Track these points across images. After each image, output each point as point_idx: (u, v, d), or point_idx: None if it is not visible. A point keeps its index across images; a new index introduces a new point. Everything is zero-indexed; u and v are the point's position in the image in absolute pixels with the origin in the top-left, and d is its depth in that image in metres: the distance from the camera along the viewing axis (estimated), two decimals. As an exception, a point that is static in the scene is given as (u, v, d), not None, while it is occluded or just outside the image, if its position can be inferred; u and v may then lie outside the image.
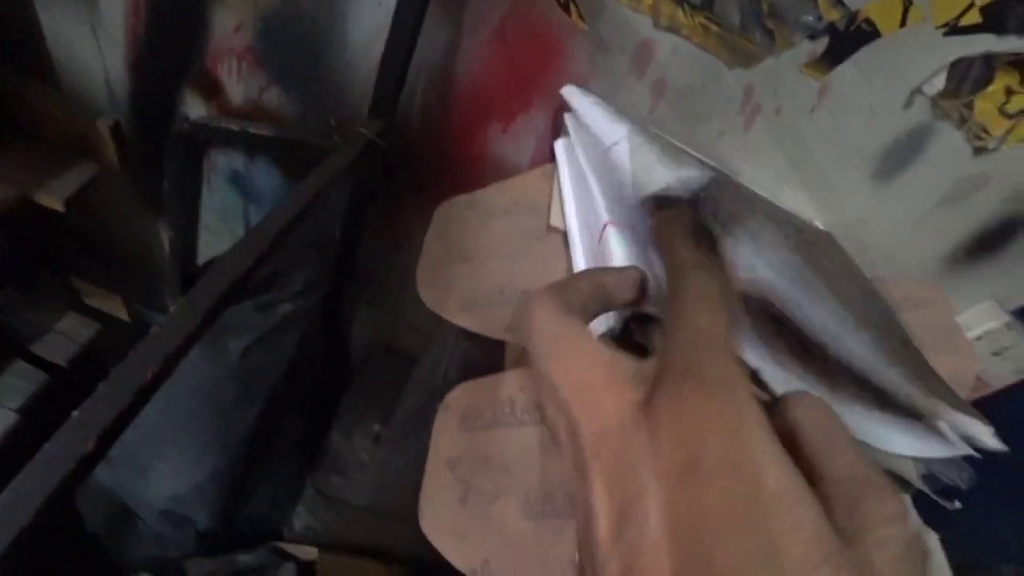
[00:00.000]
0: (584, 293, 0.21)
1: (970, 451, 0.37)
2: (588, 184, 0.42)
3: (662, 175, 0.30)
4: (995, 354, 0.71)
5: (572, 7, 0.51)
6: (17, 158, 0.68)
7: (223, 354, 0.55)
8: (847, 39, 0.50)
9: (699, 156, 0.56)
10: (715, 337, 0.17)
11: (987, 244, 0.64)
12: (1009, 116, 0.54)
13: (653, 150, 0.34)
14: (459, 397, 0.40)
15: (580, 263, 0.40)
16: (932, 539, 0.33)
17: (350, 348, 0.78)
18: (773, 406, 0.18)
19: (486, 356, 0.54)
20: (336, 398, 0.71)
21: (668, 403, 0.15)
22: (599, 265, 0.34)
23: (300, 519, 0.62)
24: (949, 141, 0.56)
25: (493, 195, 0.55)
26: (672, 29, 0.50)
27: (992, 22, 0.48)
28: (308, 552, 0.61)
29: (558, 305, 0.20)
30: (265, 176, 0.59)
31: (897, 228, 0.63)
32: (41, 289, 0.92)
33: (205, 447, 0.58)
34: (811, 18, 0.49)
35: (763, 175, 0.58)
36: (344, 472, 0.67)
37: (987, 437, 0.36)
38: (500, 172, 0.64)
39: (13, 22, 0.61)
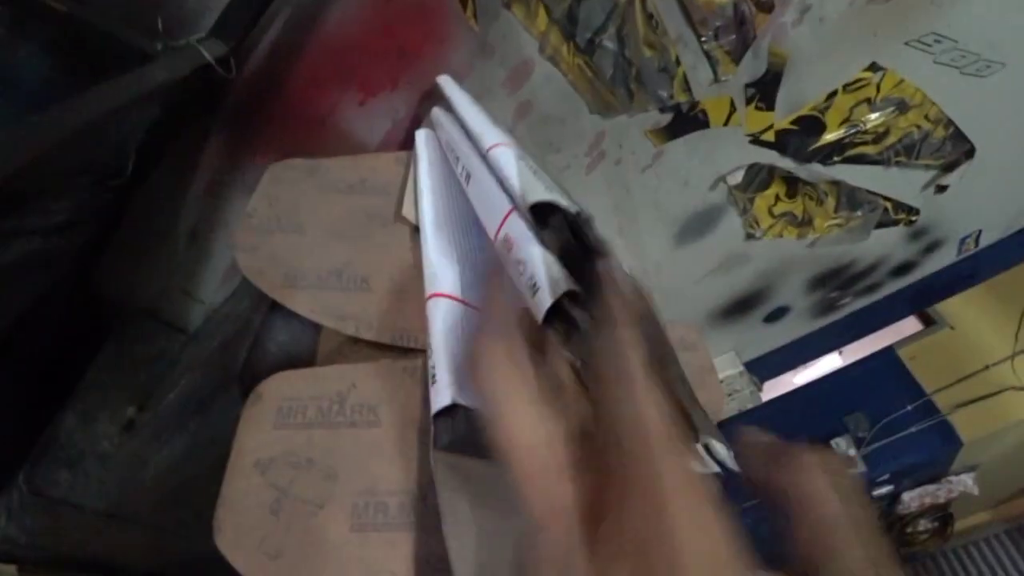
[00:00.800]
0: (525, 341, 0.21)
1: (717, 469, 0.46)
2: (465, 181, 0.41)
3: (541, 189, 0.31)
4: (729, 395, 0.90)
5: (470, 3, 0.49)
6: None
7: None
8: (686, 120, 0.58)
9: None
10: (662, 439, 0.16)
11: (736, 309, 0.81)
12: (774, 216, 0.69)
13: (530, 164, 0.35)
14: (276, 388, 0.35)
15: (445, 260, 0.38)
16: None
17: (104, 309, 0.62)
18: (796, 457, 0.18)
19: (295, 343, 0.49)
20: (76, 371, 0.55)
21: (622, 522, 0.14)
22: (494, 265, 0.33)
23: (-6, 526, 0.46)
24: (732, 224, 0.69)
25: (339, 168, 0.50)
26: (553, 60, 0.53)
27: (779, 144, 0.61)
28: (2, 571, 0.46)
29: (514, 358, 0.19)
30: (33, 63, 0.43)
31: (682, 282, 0.75)
32: None
33: None
34: (665, 94, 0.56)
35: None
36: (76, 466, 0.52)
37: (730, 460, 0.44)
38: (342, 146, 0.59)
39: None
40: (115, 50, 0.43)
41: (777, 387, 1.15)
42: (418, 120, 0.55)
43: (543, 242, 0.29)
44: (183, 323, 0.66)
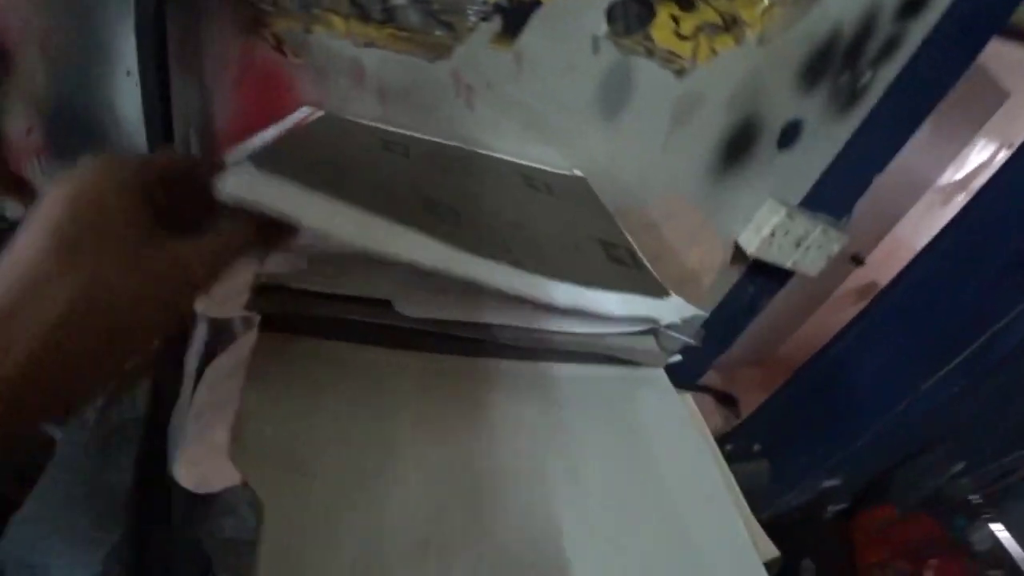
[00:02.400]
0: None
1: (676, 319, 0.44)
2: None
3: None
4: (797, 245, 0.76)
5: (284, 47, 0.59)
6: None
7: (78, 421, 0.60)
8: (515, 13, 0.58)
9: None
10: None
11: (733, 153, 0.70)
12: (686, 38, 0.62)
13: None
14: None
15: None
16: None
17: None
18: None
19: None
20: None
21: None
22: None
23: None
24: (649, 71, 0.63)
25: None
26: (370, 44, 0.59)
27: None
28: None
29: None
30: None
31: (644, 158, 0.69)
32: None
33: (91, 525, 0.61)
34: (477, 4, 0.57)
35: (505, 142, 0.65)
36: (235, 512, 0.70)
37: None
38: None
39: None
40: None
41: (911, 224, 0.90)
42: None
43: None
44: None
